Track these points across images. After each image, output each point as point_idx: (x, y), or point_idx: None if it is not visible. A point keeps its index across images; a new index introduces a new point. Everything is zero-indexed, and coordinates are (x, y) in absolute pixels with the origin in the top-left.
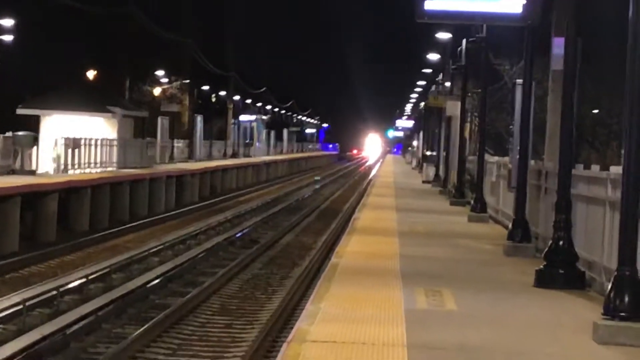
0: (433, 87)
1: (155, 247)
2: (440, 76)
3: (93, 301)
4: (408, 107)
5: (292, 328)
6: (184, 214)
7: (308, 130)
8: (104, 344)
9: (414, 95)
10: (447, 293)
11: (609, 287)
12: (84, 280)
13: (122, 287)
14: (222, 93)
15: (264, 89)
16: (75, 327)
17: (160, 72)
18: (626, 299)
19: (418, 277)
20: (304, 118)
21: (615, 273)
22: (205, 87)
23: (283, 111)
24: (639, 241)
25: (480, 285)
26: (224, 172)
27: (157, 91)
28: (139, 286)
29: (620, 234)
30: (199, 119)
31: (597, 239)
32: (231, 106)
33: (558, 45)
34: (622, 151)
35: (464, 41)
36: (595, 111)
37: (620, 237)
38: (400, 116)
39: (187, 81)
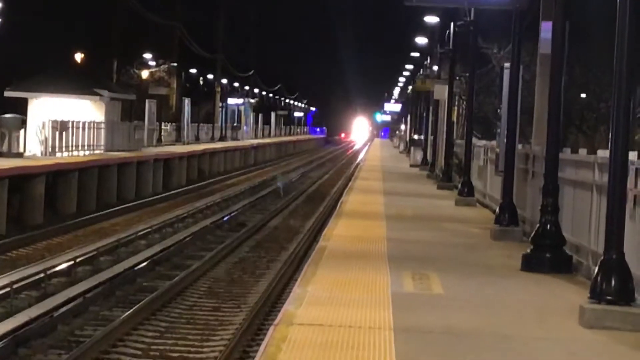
0: (421, 71)
1: (143, 230)
2: (428, 60)
3: (80, 284)
4: (396, 91)
5: (279, 311)
6: (172, 197)
7: (296, 114)
8: (91, 326)
9: (402, 79)
10: (434, 277)
11: (596, 270)
12: (71, 263)
13: (110, 270)
14: (210, 76)
15: (251, 72)
16: (63, 309)
17: (148, 55)
18: (612, 282)
19: (405, 260)
20: (291, 102)
21: (602, 257)
22: (193, 70)
23: (271, 95)
24: (625, 225)
25: (468, 269)
26: (212, 156)
27: (145, 74)
28: (126, 269)
29: (607, 218)
30: (187, 102)
31: (584, 223)
32: (219, 89)
33: (546, 29)
34: (610, 135)
35: (452, 25)
36: (584, 95)
37: (607, 221)
38: (388, 100)
39: (175, 64)
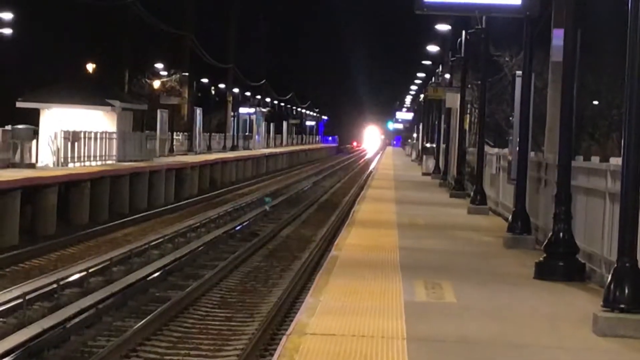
0: (433, 79)
1: (155, 240)
2: (440, 68)
3: (93, 294)
4: (408, 99)
5: (292, 321)
6: (184, 207)
7: (308, 123)
8: (104, 337)
9: (414, 87)
10: (447, 285)
11: (609, 278)
12: (84, 273)
13: (122, 280)
14: (222, 86)
15: (263, 81)
16: (76, 320)
17: (159, 65)
18: (626, 290)
19: (417, 269)
20: (303, 110)
21: (615, 265)
22: (205, 80)
23: (282, 103)
24: (638, 233)
25: (480, 277)
26: (224, 165)
27: (156, 84)
28: (139, 279)
29: (620, 225)
30: (199, 111)
31: (597, 231)
32: (230, 99)
33: (557, 36)
34: (622, 143)
35: (464, 33)
36: (596, 103)
37: (620, 228)
38: (400, 108)
39: (187, 74)
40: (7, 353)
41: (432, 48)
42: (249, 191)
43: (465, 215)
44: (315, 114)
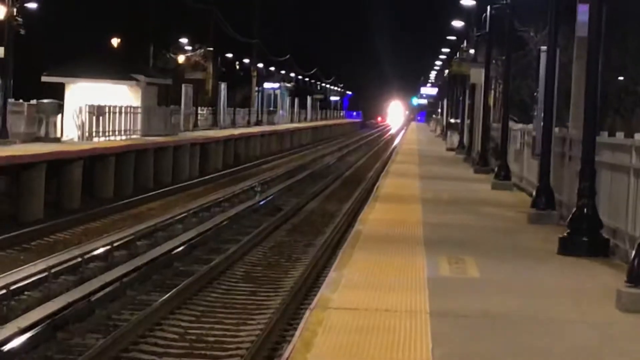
0: (457, 55)
1: (180, 214)
2: (465, 43)
3: (117, 268)
4: (432, 75)
5: (315, 295)
6: (208, 182)
7: (332, 98)
8: (128, 310)
9: (439, 63)
10: (470, 260)
11: (633, 254)
12: (108, 247)
13: (147, 254)
14: (246, 60)
15: (287, 56)
16: (100, 294)
17: (184, 40)
18: None
19: (441, 244)
20: (327, 86)
21: (639, 240)
22: (229, 55)
23: (307, 79)
24: None
25: (504, 252)
26: (248, 140)
27: (181, 59)
28: (163, 253)
29: None
30: (223, 86)
31: (622, 207)
32: (255, 74)
33: (583, 11)
34: None
35: (489, 8)
36: (621, 78)
37: None
38: (424, 83)
39: (211, 49)
40: (33, 326)
41: (457, 23)
42: (273, 166)
43: (489, 191)
44: (339, 89)
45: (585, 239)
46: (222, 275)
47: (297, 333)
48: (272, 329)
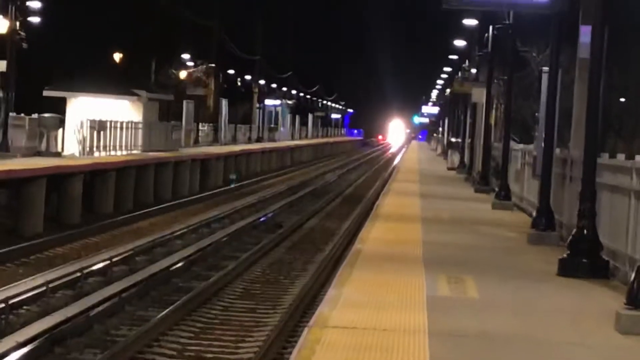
0: (459, 74)
1: (179, 230)
2: (467, 62)
3: (116, 283)
4: (434, 94)
5: (314, 313)
6: (208, 198)
7: (333, 116)
8: (126, 326)
9: (440, 82)
10: (470, 280)
11: (632, 276)
12: (107, 262)
13: (146, 269)
14: (248, 77)
15: (289, 73)
16: (99, 308)
17: (186, 56)
18: None
19: (440, 264)
20: (329, 103)
21: (639, 262)
22: (231, 71)
23: (308, 96)
24: None
25: (503, 273)
26: (249, 156)
27: (182, 74)
28: (162, 269)
29: None
30: (224, 102)
31: (622, 228)
32: (256, 90)
33: (585, 33)
34: None
35: (491, 28)
36: (623, 100)
37: None
38: (426, 102)
39: (213, 65)
40: (31, 340)
41: (459, 42)
42: (274, 182)
43: (490, 211)
44: (340, 107)
45: (585, 260)
46: (221, 292)
47: (295, 351)
48: (270, 347)
